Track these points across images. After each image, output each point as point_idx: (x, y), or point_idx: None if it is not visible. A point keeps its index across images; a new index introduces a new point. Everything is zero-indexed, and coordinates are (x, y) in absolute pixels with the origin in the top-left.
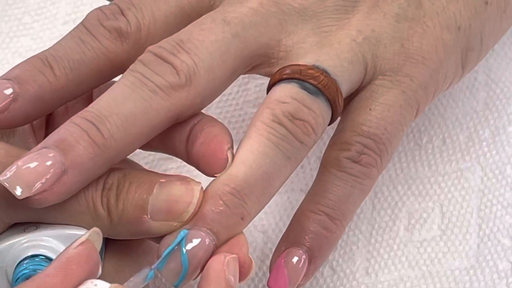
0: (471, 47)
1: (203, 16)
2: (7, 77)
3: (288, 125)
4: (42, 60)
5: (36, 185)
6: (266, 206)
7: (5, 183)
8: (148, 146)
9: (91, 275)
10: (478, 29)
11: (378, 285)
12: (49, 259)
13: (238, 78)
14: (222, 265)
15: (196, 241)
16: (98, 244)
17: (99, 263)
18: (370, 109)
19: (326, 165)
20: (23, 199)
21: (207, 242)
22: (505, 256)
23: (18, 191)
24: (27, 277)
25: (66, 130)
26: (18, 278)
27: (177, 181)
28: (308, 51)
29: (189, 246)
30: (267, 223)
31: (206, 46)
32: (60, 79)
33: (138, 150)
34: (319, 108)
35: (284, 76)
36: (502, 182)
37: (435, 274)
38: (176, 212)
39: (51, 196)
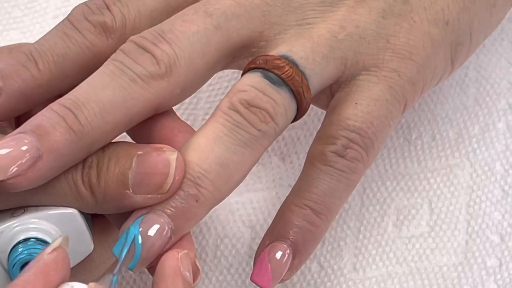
0: (460, 42)
1: (186, 8)
2: None
3: (243, 112)
4: (26, 54)
5: (11, 169)
6: (254, 202)
7: None
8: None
9: (65, 279)
10: (467, 24)
11: (366, 281)
12: (41, 241)
13: (227, 73)
14: (177, 261)
15: (149, 223)
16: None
17: (70, 267)
18: (356, 104)
19: (312, 159)
20: None
21: (160, 225)
22: (493, 252)
23: None
24: (24, 262)
25: (43, 116)
26: (15, 264)
27: (153, 152)
28: (285, 41)
29: (142, 229)
30: (255, 219)
31: (187, 37)
32: (44, 73)
33: None
34: (281, 98)
35: (252, 66)
36: (491, 178)
37: (423, 270)
38: (155, 184)
39: (25, 181)
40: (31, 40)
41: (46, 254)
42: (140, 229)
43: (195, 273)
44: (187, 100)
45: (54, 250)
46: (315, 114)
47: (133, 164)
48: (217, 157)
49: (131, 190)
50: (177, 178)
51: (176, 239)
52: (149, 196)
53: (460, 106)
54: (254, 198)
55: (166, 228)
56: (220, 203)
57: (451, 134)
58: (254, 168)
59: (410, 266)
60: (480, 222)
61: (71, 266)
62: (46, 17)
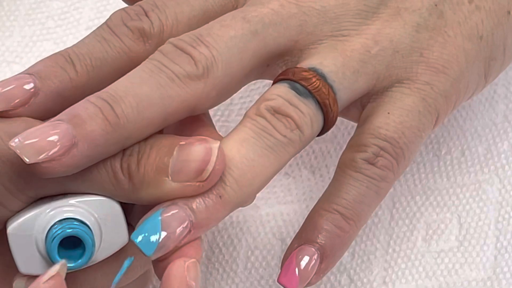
0: (493, 57)
1: (225, 15)
2: (29, 71)
3: (269, 117)
4: (64, 56)
5: (45, 153)
6: (285, 214)
7: (16, 150)
8: None
9: None
10: (501, 39)
11: None
12: (79, 221)
13: (258, 86)
14: (183, 270)
15: (170, 213)
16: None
17: None
18: (388, 113)
19: (342, 166)
20: (31, 166)
21: (181, 215)
22: None
23: (26, 157)
24: (63, 237)
25: (80, 107)
26: (54, 238)
27: (196, 142)
28: (317, 53)
29: (164, 215)
30: (285, 231)
31: (225, 41)
32: (81, 76)
33: None
34: (307, 109)
35: (280, 77)
36: None
37: (452, 285)
38: (196, 171)
39: (59, 167)
40: None
41: (42, 283)
42: (161, 218)
43: None
44: (219, 112)
45: (51, 278)
46: (345, 128)
47: (175, 153)
48: (243, 157)
49: (170, 178)
50: (217, 167)
51: (195, 234)
52: (188, 183)
53: (489, 122)
54: (285, 210)
55: (187, 220)
56: (251, 216)
57: (480, 150)
58: (284, 180)
59: (439, 281)
60: (509, 238)
61: (106, 257)
62: (79, 28)
